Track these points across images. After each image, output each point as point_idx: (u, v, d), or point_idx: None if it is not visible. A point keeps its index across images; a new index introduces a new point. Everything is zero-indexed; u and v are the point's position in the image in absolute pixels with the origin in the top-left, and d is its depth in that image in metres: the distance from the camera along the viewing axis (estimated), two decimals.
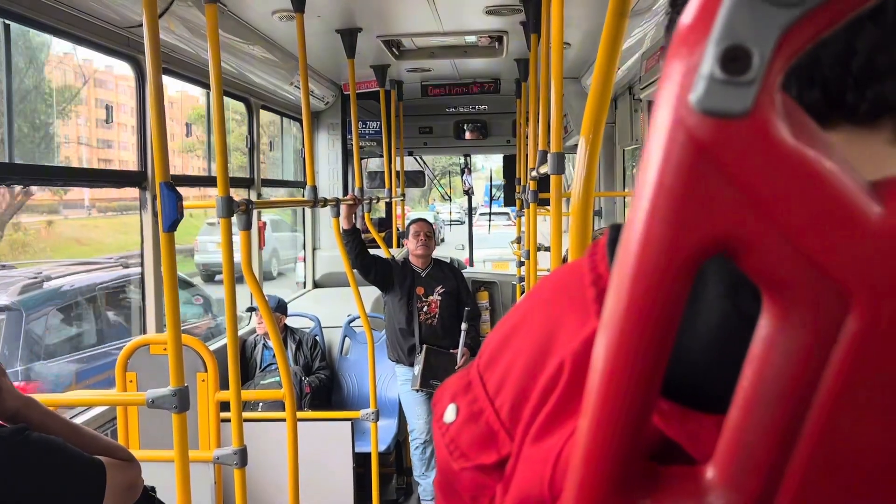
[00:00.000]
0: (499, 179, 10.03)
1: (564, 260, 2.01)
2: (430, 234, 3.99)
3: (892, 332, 0.25)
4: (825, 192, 0.24)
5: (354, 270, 3.69)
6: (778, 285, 0.25)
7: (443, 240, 16.34)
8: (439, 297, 3.92)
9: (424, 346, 3.78)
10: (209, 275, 11.36)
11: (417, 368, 3.76)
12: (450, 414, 0.48)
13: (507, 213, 12.64)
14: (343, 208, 3.64)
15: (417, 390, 3.77)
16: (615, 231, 0.43)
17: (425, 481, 3.89)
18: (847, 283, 0.24)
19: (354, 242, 3.68)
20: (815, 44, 0.35)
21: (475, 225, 8.69)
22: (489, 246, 11.19)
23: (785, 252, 0.24)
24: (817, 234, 0.24)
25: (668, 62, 0.24)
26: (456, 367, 3.72)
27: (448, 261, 4.50)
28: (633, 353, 0.26)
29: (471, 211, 8.60)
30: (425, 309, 3.90)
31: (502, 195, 7.65)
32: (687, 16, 0.25)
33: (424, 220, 4.11)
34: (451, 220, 18.76)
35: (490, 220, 12.55)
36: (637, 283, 0.26)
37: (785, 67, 0.23)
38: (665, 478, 0.30)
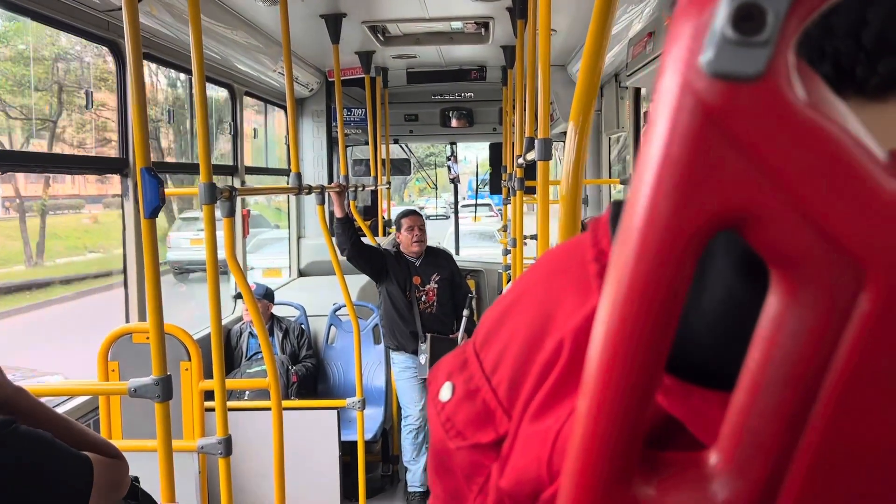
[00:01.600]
0: (484, 173, 10.01)
1: None
2: (423, 227, 3.99)
3: None
4: (840, 162, 0.23)
5: (348, 261, 3.67)
6: (788, 261, 0.24)
7: None
8: (436, 285, 3.93)
9: (429, 336, 3.78)
10: (182, 272, 11.16)
11: (424, 357, 3.77)
12: (445, 392, 0.47)
13: (489, 205, 12.67)
14: (334, 197, 3.61)
15: (425, 379, 3.78)
16: (618, 207, 0.42)
17: (415, 466, 3.90)
18: (861, 258, 0.23)
19: (349, 232, 3.66)
20: (827, 13, 0.34)
21: (460, 215, 8.67)
22: (472, 243, 11.17)
23: (797, 225, 0.23)
24: (831, 207, 0.23)
25: (676, 22, 0.23)
26: None
27: (437, 246, 4.49)
28: (635, 335, 0.25)
29: (457, 200, 8.58)
30: (423, 298, 3.90)
31: (488, 187, 7.63)
32: None
33: (416, 213, 4.09)
34: (436, 215, 18.52)
35: (475, 211, 12.59)
36: (640, 260, 0.24)
37: (800, 28, 0.22)
38: (667, 465, 0.29)
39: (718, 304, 0.34)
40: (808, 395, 0.25)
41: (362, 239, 3.86)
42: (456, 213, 8.54)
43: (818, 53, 0.35)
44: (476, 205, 12.48)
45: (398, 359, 3.93)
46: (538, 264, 0.48)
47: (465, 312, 3.86)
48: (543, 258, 0.49)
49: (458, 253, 7.53)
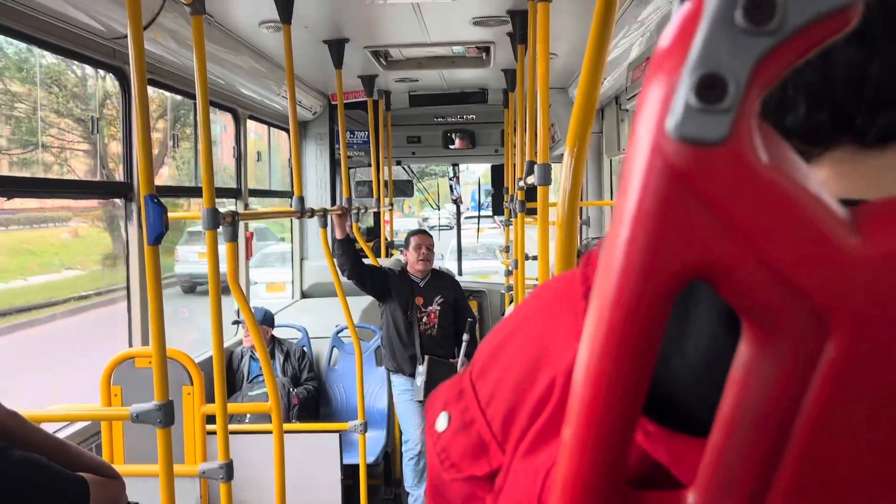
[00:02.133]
0: (487, 184, 10.04)
1: None
2: (431, 247, 3.97)
3: (872, 358, 0.25)
4: (803, 219, 0.24)
5: (349, 280, 3.67)
6: (757, 311, 0.25)
7: None
8: (438, 307, 3.91)
9: (427, 357, 3.76)
10: (190, 286, 11.12)
11: (420, 380, 3.74)
12: (442, 422, 0.47)
13: (491, 216, 12.74)
14: (335, 219, 3.63)
15: (421, 401, 3.75)
16: None
17: (416, 492, 3.87)
18: (826, 309, 0.24)
19: (349, 253, 3.66)
20: (826, 64, 0.35)
21: (462, 228, 8.69)
22: (475, 257, 11.17)
23: (763, 278, 0.24)
24: (795, 261, 0.24)
25: (646, 86, 0.24)
26: None
27: (442, 270, 4.49)
28: (611, 379, 0.26)
29: (459, 220, 8.60)
30: (424, 319, 3.89)
31: (490, 201, 7.65)
32: (664, 40, 0.25)
33: (426, 233, 4.08)
34: (440, 225, 18.67)
35: (479, 224, 12.60)
36: (615, 309, 0.26)
37: (761, 95, 0.23)
38: (646, 503, 0.30)
39: (702, 351, 0.35)
40: (779, 437, 0.27)
41: (364, 259, 3.86)
42: (458, 231, 8.56)
43: (816, 101, 0.35)
44: (479, 217, 12.48)
45: (397, 381, 3.92)
46: (533, 297, 0.49)
47: (466, 337, 3.84)
48: (538, 291, 0.49)
49: (460, 273, 7.54)
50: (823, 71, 0.35)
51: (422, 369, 3.74)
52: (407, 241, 4.03)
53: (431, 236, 4.10)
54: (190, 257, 11.04)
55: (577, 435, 0.28)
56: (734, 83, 0.22)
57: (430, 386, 3.70)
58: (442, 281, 4.04)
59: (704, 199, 0.24)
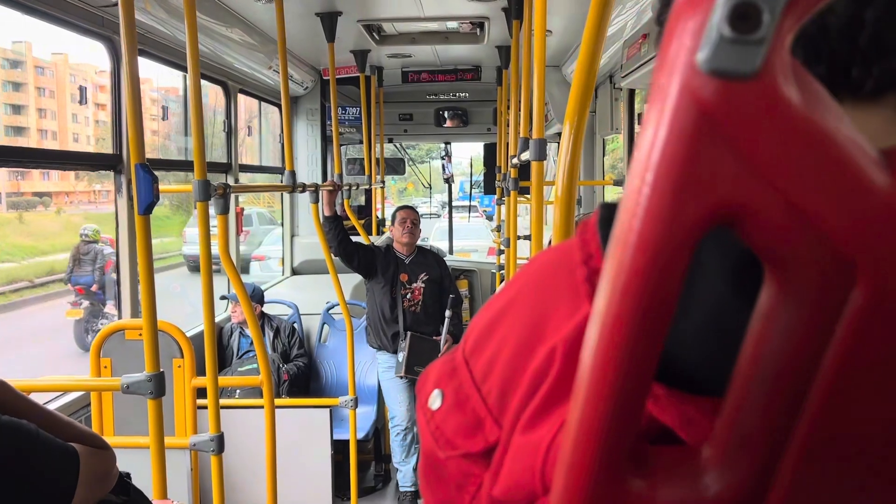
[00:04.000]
0: (478, 173, 10.05)
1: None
2: (416, 221, 3.99)
3: None
4: (834, 160, 0.23)
5: (336, 258, 3.67)
6: (781, 256, 0.24)
7: None
8: (423, 285, 3.92)
9: (409, 333, 3.78)
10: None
11: (402, 355, 3.75)
12: (435, 400, 0.47)
13: (475, 206, 13.06)
14: (324, 194, 3.61)
15: (401, 377, 3.77)
16: (606, 209, 0.41)
17: (405, 467, 3.89)
18: (853, 255, 0.24)
19: (336, 230, 3.66)
20: (823, 14, 0.35)
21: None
22: (464, 236, 11.39)
23: (790, 221, 0.23)
24: (824, 204, 0.23)
25: (673, 21, 0.23)
26: (439, 354, 3.71)
27: (429, 248, 4.49)
28: (631, 330, 0.25)
29: (451, 200, 8.59)
30: (409, 296, 3.90)
31: (481, 188, 7.65)
32: None
33: (411, 208, 4.11)
34: (430, 213, 18.74)
35: (469, 212, 12.80)
36: (637, 256, 0.25)
37: (795, 26, 0.22)
38: (659, 458, 0.29)
39: (709, 310, 0.34)
40: (799, 389, 0.26)
41: (351, 237, 3.85)
42: (450, 210, 8.55)
43: (813, 54, 0.35)
44: (470, 206, 12.68)
45: (382, 359, 3.93)
46: (528, 269, 0.48)
47: (448, 313, 3.85)
48: (533, 262, 0.48)
49: (451, 252, 7.54)
50: (821, 22, 0.34)
51: (404, 345, 3.75)
52: (393, 216, 4.05)
53: (417, 211, 4.10)
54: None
55: (591, 392, 0.27)
56: (769, 12, 0.21)
57: (411, 362, 3.72)
58: (427, 259, 4.04)
59: (732, 137, 0.23)
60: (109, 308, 7.83)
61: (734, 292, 0.34)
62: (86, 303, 7.94)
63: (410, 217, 3.97)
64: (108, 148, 2.79)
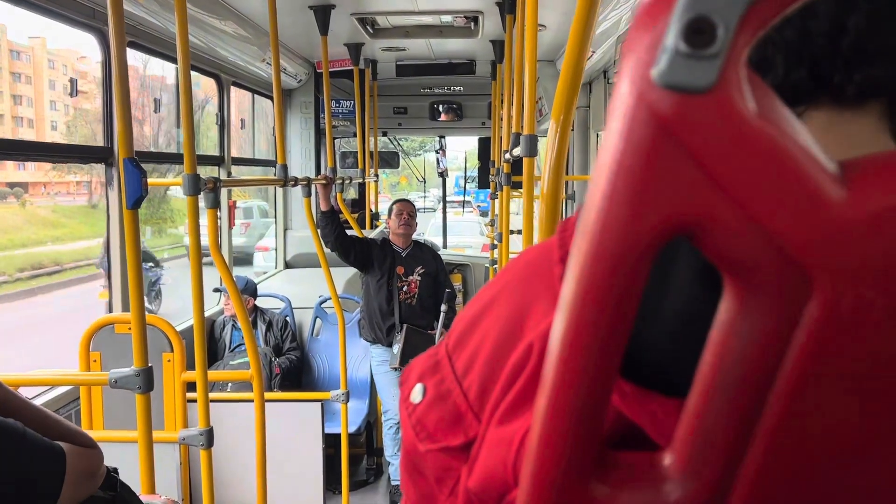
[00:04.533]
0: (472, 168, 10.07)
1: None
2: (412, 213, 4.00)
3: (854, 318, 0.24)
4: (790, 172, 0.23)
5: (331, 252, 3.67)
6: (740, 268, 0.24)
7: None
8: (419, 278, 3.92)
9: (405, 326, 3.78)
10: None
11: (397, 347, 3.76)
12: (417, 394, 0.47)
13: (469, 202, 13.11)
14: (320, 189, 3.60)
15: (396, 368, 3.78)
16: None
17: (397, 461, 3.91)
18: (810, 267, 0.24)
19: (333, 224, 3.65)
20: (806, 19, 0.35)
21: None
22: (457, 230, 11.42)
23: (748, 234, 0.24)
24: (781, 216, 0.23)
25: (631, 35, 0.23)
26: None
27: (424, 242, 4.49)
28: (589, 337, 0.26)
29: (445, 194, 8.59)
30: (405, 289, 3.90)
31: (476, 183, 7.66)
32: None
33: (407, 201, 4.12)
34: (424, 208, 18.91)
35: (463, 207, 12.85)
36: (594, 266, 0.25)
37: (751, 41, 0.22)
38: (622, 464, 0.29)
39: (679, 311, 0.35)
40: (758, 397, 0.26)
41: (347, 231, 3.85)
42: (444, 205, 8.56)
43: (795, 59, 0.35)
44: (464, 202, 12.72)
45: (376, 352, 3.94)
46: (511, 266, 0.48)
47: (444, 307, 3.86)
48: (517, 260, 0.49)
49: (445, 246, 7.54)
50: (802, 27, 0.34)
51: (399, 337, 3.76)
52: (390, 209, 4.06)
53: (413, 204, 4.10)
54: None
55: (554, 394, 0.27)
56: (723, 27, 0.21)
57: (406, 354, 3.72)
58: (423, 252, 4.05)
59: (689, 150, 0.23)
60: None
61: (704, 293, 0.34)
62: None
63: (407, 209, 3.98)
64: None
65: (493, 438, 0.42)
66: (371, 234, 4.57)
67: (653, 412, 0.34)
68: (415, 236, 4.12)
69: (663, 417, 0.33)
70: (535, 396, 0.40)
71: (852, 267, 0.24)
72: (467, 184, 11.24)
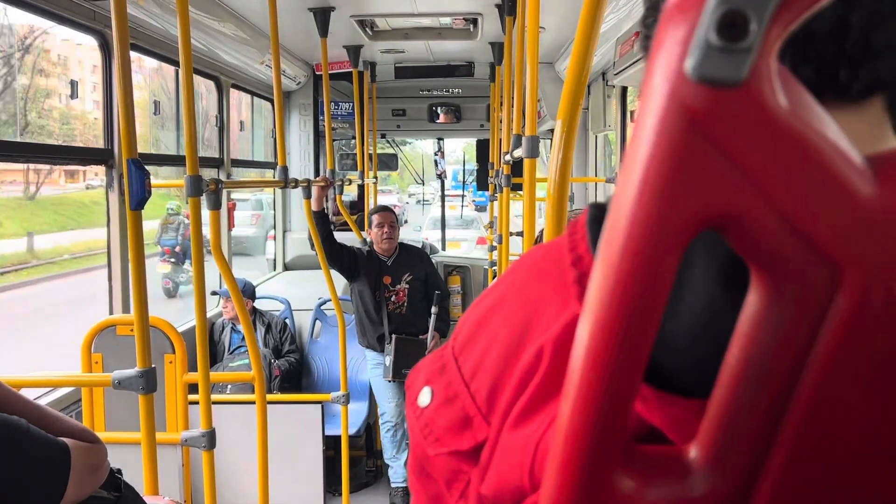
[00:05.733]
0: (471, 163, 10.09)
1: (539, 241, 2.01)
2: (393, 224, 3.92)
3: (882, 311, 0.25)
4: (820, 166, 0.23)
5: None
6: (768, 261, 0.25)
7: (406, 221, 16.47)
8: (407, 286, 3.88)
9: (394, 337, 3.74)
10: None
11: (388, 360, 3.73)
12: (424, 397, 0.47)
13: (464, 196, 13.09)
14: (314, 190, 3.59)
15: (390, 381, 3.76)
16: (595, 209, 0.42)
17: (396, 463, 3.90)
18: (838, 260, 0.24)
19: (322, 227, 3.61)
20: (810, 18, 0.35)
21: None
22: (454, 225, 11.47)
23: (777, 227, 0.24)
24: (809, 210, 0.23)
25: (662, 29, 0.24)
26: (426, 352, 3.71)
27: (420, 245, 4.47)
28: (620, 331, 0.26)
29: (444, 195, 8.58)
30: (393, 298, 3.86)
31: (475, 180, 7.66)
32: None
33: (387, 210, 4.03)
34: (423, 200, 19.11)
35: (462, 201, 12.84)
36: (625, 259, 0.25)
37: (783, 35, 0.22)
38: (647, 458, 0.29)
39: (698, 313, 0.34)
40: (784, 391, 0.26)
41: (345, 234, 3.83)
42: (443, 205, 8.55)
43: (800, 57, 0.35)
44: (462, 195, 12.71)
45: (371, 356, 3.92)
46: (517, 267, 0.48)
47: (434, 310, 3.83)
48: (522, 261, 0.48)
49: (444, 248, 7.54)
50: (808, 25, 0.35)
51: (389, 349, 3.72)
52: (370, 219, 3.97)
53: (394, 212, 4.03)
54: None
55: (582, 389, 0.27)
56: (756, 21, 0.22)
57: (398, 365, 3.70)
58: (411, 257, 3.98)
59: (720, 144, 0.23)
60: (186, 266, 9.69)
61: (723, 293, 0.34)
62: (171, 260, 9.83)
63: (388, 221, 3.89)
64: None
65: (506, 443, 0.41)
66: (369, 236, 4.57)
67: (675, 416, 0.34)
68: (412, 234, 4.09)
69: (684, 420, 0.33)
70: (549, 400, 0.40)
71: (881, 261, 0.24)
72: (466, 177, 11.23)
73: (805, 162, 0.23)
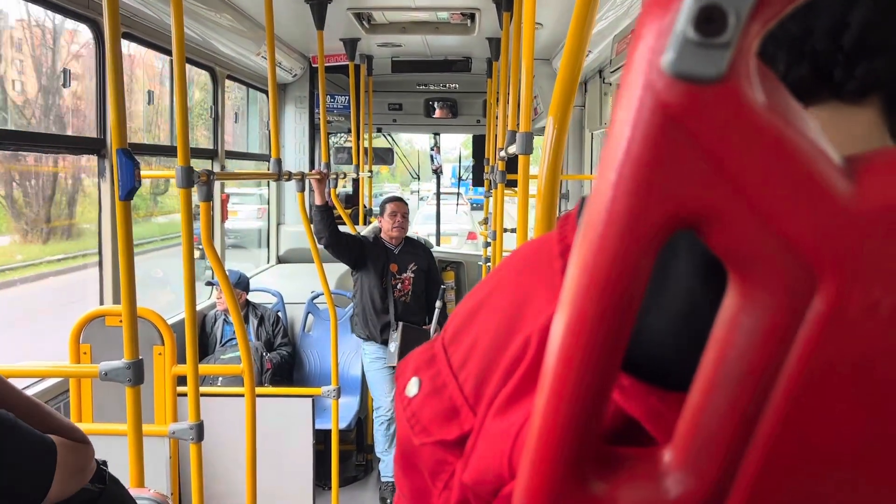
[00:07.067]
0: (467, 159, 10.09)
1: None
2: (406, 214, 3.97)
3: (860, 314, 0.24)
4: (797, 166, 0.23)
5: (325, 249, 3.65)
6: (745, 262, 0.24)
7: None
8: (412, 275, 3.92)
9: (401, 324, 3.77)
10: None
11: (394, 346, 3.75)
12: (412, 387, 0.47)
13: (460, 194, 13.14)
14: (314, 184, 3.58)
15: (394, 367, 3.76)
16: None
17: (387, 458, 3.90)
18: (816, 262, 0.23)
19: (327, 220, 3.62)
20: (807, 15, 0.35)
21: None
22: (447, 219, 11.52)
23: (754, 227, 0.23)
24: (787, 210, 0.23)
25: (640, 23, 0.23)
26: None
27: (416, 238, 4.48)
28: (592, 328, 0.25)
29: (439, 191, 8.58)
30: (399, 286, 3.89)
31: (471, 176, 7.66)
32: None
33: (401, 200, 4.08)
34: (419, 196, 19.16)
35: (458, 199, 12.84)
36: (599, 256, 0.24)
37: (762, 31, 0.22)
38: (621, 460, 0.29)
39: (680, 305, 0.34)
40: (761, 394, 0.26)
41: (340, 227, 3.83)
42: (438, 201, 8.55)
43: (797, 54, 0.35)
44: (458, 194, 12.72)
45: (369, 349, 3.92)
46: (508, 261, 0.48)
47: (438, 304, 3.86)
48: (514, 255, 0.48)
49: (438, 244, 7.53)
50: (805, 22, 0.34)
51: (396, 335, 3.75)
52: (382, 207, 4.02)
53: (406, 203, 4.08)
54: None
55: (554, 388, 0.27)
56: (734, 16, 0.21)
57: (403, 352, 3.72)
58: (415, 248, 4.05)
59: (696, 141, 0.22)
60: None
61: (706, 288, 0.34)
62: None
63: (401, 210, 3.95)
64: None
65: (489, 431, 0.41)
66: (364, 230, 4.56)
67: (652, 407, 0.34)
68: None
69: (663, 412, 0.33)
70: (532, 389, 0.40)
71: (859, 262, 0.23)
72: (462, 174, 11.24)
73: (782, 160, 0.22)
